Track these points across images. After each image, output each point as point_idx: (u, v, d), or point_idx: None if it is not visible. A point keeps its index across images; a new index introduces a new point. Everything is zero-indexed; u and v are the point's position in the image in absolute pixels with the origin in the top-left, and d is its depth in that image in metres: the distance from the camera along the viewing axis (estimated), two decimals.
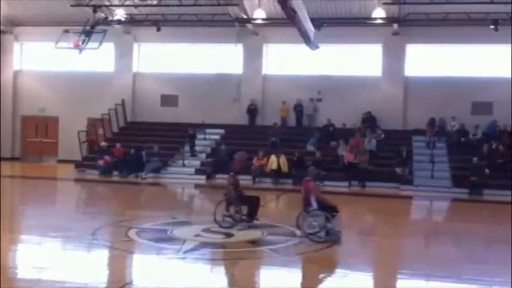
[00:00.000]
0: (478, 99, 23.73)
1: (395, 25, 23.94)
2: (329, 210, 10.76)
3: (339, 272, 9.39)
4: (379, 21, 23.41)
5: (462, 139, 22.57)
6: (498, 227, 14.49)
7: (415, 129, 23.72)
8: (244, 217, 11.92)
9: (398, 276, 9.39)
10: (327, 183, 20.33)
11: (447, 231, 13.35)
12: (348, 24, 23.97)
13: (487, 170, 19.88)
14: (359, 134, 22.81)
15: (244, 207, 11.99)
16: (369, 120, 24.17)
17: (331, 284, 8.71)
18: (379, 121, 24.26)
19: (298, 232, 11.02)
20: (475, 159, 20.19)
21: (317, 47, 22.38)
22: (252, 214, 12.01)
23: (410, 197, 19.10)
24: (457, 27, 22.84)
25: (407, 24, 23.45)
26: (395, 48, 24.71)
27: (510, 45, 22.60)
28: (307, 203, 10.91)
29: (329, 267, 9.64)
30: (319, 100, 25.13)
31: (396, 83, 24.70)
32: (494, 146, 21.50)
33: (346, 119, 24.09)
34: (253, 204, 12.10)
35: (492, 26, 21.47)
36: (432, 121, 23.29)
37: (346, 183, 20.71)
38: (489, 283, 8.82)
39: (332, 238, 10.58)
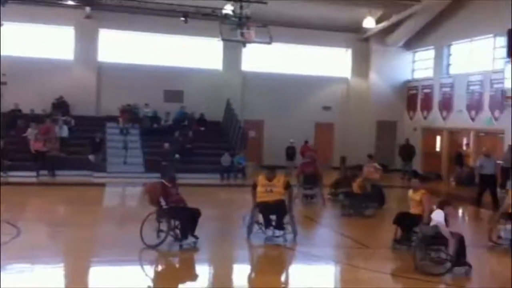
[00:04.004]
0: (170, 87, 24.62)
1: (88, 8, 23.12)
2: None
3: (21, 267, 8.39)
4: (70, 2, 22.31)
5: (155, 125, 23.20)
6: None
7: (108, 115, 23.38)
8: (174, 234, 9.50)
9: (90, 264, 8.90)
10: (12, 173, 18.54)
11: (141, 216, 13.30)
12: (36, 3, 22.14)
13: (177, 155, 20.75)
14: (50, 121, 21.38)
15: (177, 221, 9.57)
16: (61, 106, 22.92)
17: (12, 281, 7.70)
18: (72, 107, 23.21)
19: None
20: (166, 144, 20.88)
21: (1, 24, 20.30)
22: (186, 231, 9.51)
23: (103, 184, 18.62)
24: (151, 16, 23.21)
25: (100, 8, 22.88)
26: (87, 32, 23.91)
27: (202, 37, 24.23)
28: (317, 179, 15.44)
29: (8, 263, 8.47)
30: (4, 83, 22.65)
31: (89, 68, 23.96)
32: (184, 132, 22.58)
33: (35, 104, 22.31)
34: (189, 218, 9.57)
35: (182, 18, 22.43)
36: (127, 108, 23.30)
37: (34, 173, 19.15)
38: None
39: None
